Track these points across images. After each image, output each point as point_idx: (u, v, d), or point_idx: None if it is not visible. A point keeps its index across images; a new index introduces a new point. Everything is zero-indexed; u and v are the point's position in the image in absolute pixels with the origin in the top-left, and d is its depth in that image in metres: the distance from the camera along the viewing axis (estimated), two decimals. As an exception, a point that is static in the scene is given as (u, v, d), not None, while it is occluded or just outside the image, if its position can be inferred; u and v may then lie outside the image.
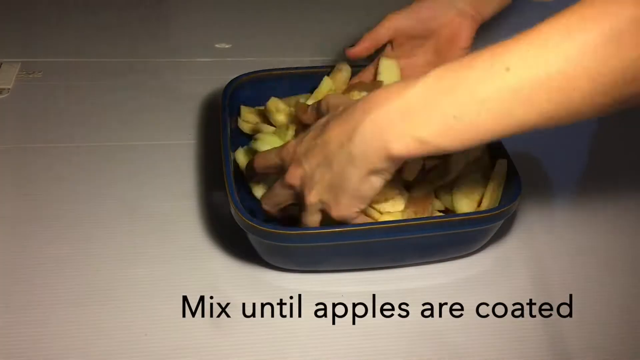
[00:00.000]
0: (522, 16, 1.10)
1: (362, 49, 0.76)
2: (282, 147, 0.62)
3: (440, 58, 0.76)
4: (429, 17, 0.75)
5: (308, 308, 0.63)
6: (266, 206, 0.65)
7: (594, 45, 0.47)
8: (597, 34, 0.47)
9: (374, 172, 0.56)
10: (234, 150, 0.71)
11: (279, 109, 0.74)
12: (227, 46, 0.98)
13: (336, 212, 0.59)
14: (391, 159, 0.54)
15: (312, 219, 0.61)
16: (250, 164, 0.67)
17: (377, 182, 0.57)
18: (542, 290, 0.66)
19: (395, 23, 0.75)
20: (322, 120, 0.61)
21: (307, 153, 0.59)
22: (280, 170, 0.62)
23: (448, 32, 0.76)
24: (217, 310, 0.62)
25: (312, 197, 0.59)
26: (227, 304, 0.62)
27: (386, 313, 0.63)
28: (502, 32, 0.99)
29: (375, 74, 0.76)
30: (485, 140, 0.52)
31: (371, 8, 1.07)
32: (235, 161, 0.70)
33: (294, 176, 0.60)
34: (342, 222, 0.60)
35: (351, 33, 1.01)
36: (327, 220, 0.61)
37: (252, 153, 0.70)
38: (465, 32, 0.76)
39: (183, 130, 0.82)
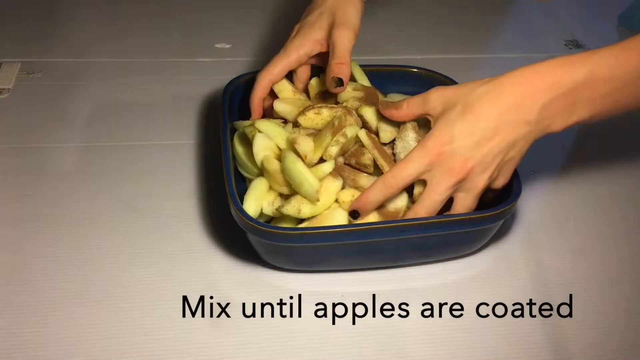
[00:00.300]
0: (522, 16, 1.10)
1: (257, 112, 0.73)
2: (427, 152, 0.60)
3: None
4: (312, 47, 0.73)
5: (308, 308, 0.63)
6: (384, 192, 0.61)
7: None
8: None
9: (533, 143, 0.62)
10: (234, 149, 0.71)
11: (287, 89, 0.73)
12: (227, 46, 0.98)
13: (503, 183, 0.64)
14: (551, 133, 0.61)
15: (475, 205, 0.63)
16: (362, 203, 0.62)
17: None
18: (542, 290, 0.66)
19: (312, 49, 0.72)
20: (453, 114, 0.60)
21: (477, 145, 0.60)
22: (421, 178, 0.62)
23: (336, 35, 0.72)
24: (217, 310, 0.62)
25: (485, 181, 0.61)
26: (227, 304, 0.62)
27: (386, 313, 0.63)
28: (502, 32, 0.99)
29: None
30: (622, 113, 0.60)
31: (371, 8, 1.07)
32: (235, 162, 0.70)
33: (465, 170, 0.60)
34: (498, 191, 0.65)
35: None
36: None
37: (247, 140, 0.68)
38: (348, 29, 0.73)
39: (183, 130, 0.82)
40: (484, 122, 0.59)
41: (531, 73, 0.59)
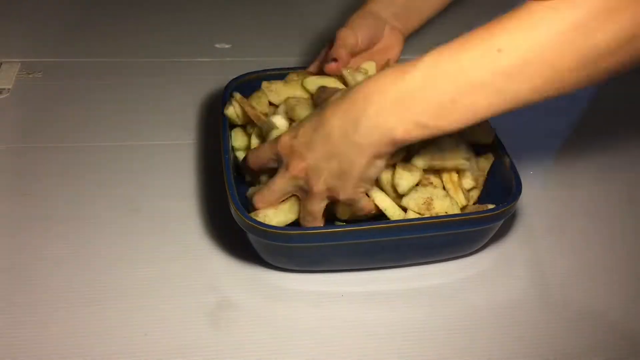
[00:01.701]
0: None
1: (343, 63, 0.74)
2: (276, 141, 0.63)
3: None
4: (369, 34, 0.76)
5: (308, 308, 0.63)
6: (259, 205, 0.63)
7: (583, 21, 0.50)
8: (585, 10, 0.50)
9: (379, 156, 0.58)
10: (234, 150, 0.71)
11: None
12: (227, 46, 0.98)
13: (344, 196, 0.61)
14: (395, 143, 0.57)
15: (320, 206, 0.62)
16: (245, 163, 0.67)
17: (381, 163, 0.60)
18: (542, 290, 0.66)
19: (347, 41, 0.74)
20: (317, 110, 0.61)
21: (310, 145, 0.60)
22: (275, 165, 0.63)
23: (381, 47, 0.78)
24: (217, 310, 0.62)
25: (320, 186, 0.60)
26: (227, 304, 0.62)
27: (386, 313, 0.63)
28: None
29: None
30: (482, 119, 0.55)
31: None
32: (234, 161, 0.70)
33: (298, 169, 0.60)
34: (349, 204, 0.62)
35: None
36: (331, 207, 0.63)
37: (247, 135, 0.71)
38: (397, 48, 0.78)
39: (183, 130, 0.82)
40: (322, 127, 0.59)
41: (367, 84, 0.57)
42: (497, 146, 0.70)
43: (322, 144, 0.59)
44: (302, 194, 0.62)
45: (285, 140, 0.62)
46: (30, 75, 0.89)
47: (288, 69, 0.80)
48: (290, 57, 0.94)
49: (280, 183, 0.62)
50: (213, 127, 0.82)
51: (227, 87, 0.76)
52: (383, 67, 0.76)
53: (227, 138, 0.69)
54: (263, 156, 0.64)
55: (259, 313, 0.62)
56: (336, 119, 0.58)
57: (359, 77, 0.71)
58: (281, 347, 0.59)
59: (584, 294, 0.65)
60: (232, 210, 0.62)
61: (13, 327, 0.60)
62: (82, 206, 0.71)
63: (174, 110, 0.85)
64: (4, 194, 0.72)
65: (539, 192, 0.76)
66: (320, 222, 0.63)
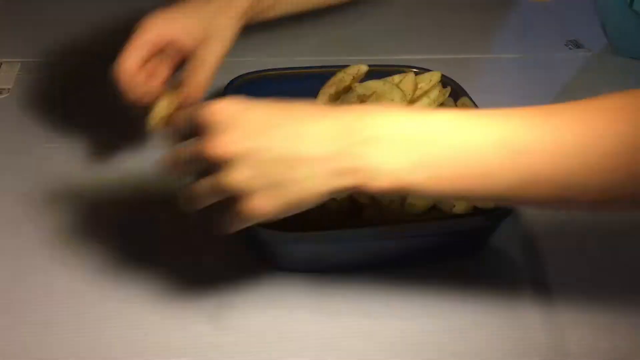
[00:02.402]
0: (522, 16, 1.10)
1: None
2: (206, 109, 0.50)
3: None
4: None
5: (308, 308, 0.63)
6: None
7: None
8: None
9: (335, 193, 0.49)
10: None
11: None
12: (227, 46, 0.98)
13: (256, 206, 0.49)
14: (362, 189, 0.49)
15: (213, 190, 0.50)
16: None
17: (323, 199, 0.50)
18: (542, 291, 0.66)
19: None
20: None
21: (270, 136, 0.48)
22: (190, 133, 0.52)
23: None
24: (217, 310, 0.62)
25: (239, 176, 0.48)
26: (227, 304, 0.62)
27: (386, 313, 0.63)
28: (502, 32, 0.99)
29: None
30: (468, 198, 0.54)
31: (370, 8, 1.07)
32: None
33: (224, 146, 0.48)
34: (246, 217, 0.50)
35: (351, 33, 1.02)
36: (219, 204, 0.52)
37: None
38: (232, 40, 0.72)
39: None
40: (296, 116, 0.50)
41: (370, 107, 0.52)
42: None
43: (284, 154, 0.48)
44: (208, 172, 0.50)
45: (220, 108, 0.49)
46: (30, 75, 0.89)
47: (288, 68, 0.80)
48: (290, 57, 0.94)
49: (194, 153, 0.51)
50: (213, 127, 0.82)
51: (227, 87, 0.76)
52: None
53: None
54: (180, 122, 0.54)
55: (259, 313, 0.62)
56: (320, 125, 0.49)
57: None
58: (281, 348, 0.59)
59: (584, 294, 0.65)
60: (232, 210, 0.62)
61: (13, 327, 0.60)
62: (82, 206, 0.71)
63: (174, 110, 0.85)
64: (4, 194, 0.72)
65: (539, 192, 0.76)
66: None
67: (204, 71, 0.69)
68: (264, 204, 0.49)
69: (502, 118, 0.50)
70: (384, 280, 0.66)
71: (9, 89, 0.87)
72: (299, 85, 0.78)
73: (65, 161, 0.77)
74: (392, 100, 0.67)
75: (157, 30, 0.69)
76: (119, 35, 0.99)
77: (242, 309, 0.62)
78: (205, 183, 0.51)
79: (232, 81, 0.77)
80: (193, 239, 0.69)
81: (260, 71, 0.79)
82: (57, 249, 0.67)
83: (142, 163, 0.77)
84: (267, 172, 0.48)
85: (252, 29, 1.02)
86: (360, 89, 0.71)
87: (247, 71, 0.78)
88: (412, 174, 0.47)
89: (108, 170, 0.76)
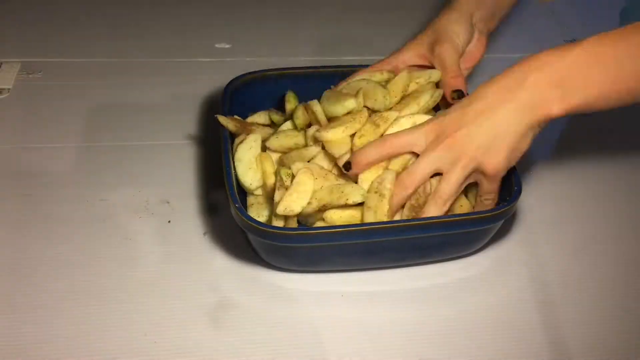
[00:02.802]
0: (522, 16, 1.10)
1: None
2: (422, 125, 0.63)
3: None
4: (467, 41, 0.74)
5: (308, 308, 0.63)
6: (410, 185, 0.62)
7: None
8: None
9: (532, 128, 0.60)
10: (233, 151, 0.70)
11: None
12: (227, 46, 0.98)
13: (494, 167, 0.61)
14: (549, 119, 0.59)
15: (462, 178, 0.62)
16: (357, 154, 0.63)
17: (531, 137, 0.61)
18: (542, 290, 0.66)
19: (456, 62, 0.73)
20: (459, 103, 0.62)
21: (462, 118, 0.61)
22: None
23: (469, 50, 0.76)
24: (217, 310, 0.62)
25: (469, 156, 0.60)
26: (227, 304, 0.62)
27: (386, 313, 0.63)
28: (502, 32, 0.99)
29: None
30: (634, 104, 0.59)
31: (372, 8, 1.07)
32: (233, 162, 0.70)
33: (447, 142, 0.61)
34: (494, 180, 0.62)
35: (351, 33, 1.02)
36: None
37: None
38: (482, 51, 0.77)
39: (183, 130, 0.82)
40: (476, 100, 0.61)
41: (524, 64, 0.60)
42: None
43: (479, 114, 0.60)
44: (447, 165, 0.61)
45: (433, 122, 0.62)
46: (30, 75, 0.89)
47: (288, 68, 0.80)
48: (290, 57, 0.94)
49: (428, 158, 0.61)
50: (213, 127, 0.82)
51: (227, 87, 0.76)
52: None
53: (227, 138, 0.69)
54: (406, 137, 0.63)
55: (259, 313, 0.62)
56: (492, 93, 0.60)
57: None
58: (281, 347, 0.59)
59: (583, 294, 0.65)
60: (232, 210, 0.62)
61: (13, 327, 0.60)
62: (82, 206, 0.71)
63: (174, 110, 0.85)
64: (4, 194, 0.72)
65: (539, 192, 0.76)
66: (457, 191, 0.62)
67: (445, 61, 0.72)
68: (495, 161, 0.61)
69: (629, 31, 0.58)
70: (385, 280, 0.66)
71: (9, 89, 0.87)
72: (299, 85, 0.78)
73: (65, 161, 0.77)
74: (376, 100, 0.68)
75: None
76: (119, 35, 0.99)
77: (242, 309, 0.62)
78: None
79: (232, 81, 0.77)
80: (193, 239, 0.69)
81: (260, 71, 0.78)
82: (57, 249, 0.67)
83: (142, 160, 0.78)
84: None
85: (252, 29, 1.02)
86: (346, 89, 0.71)
87: (247, 71, 0.78)
88: (580, 97, 0.58)
89: (108, 170, 0.76)
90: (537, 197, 0.75)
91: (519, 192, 0.64)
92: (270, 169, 0.66)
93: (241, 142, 0.68)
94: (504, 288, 0.66)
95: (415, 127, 0.63)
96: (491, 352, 0.60)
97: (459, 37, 0.73)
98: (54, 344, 0.58)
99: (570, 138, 0.85)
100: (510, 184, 0.66)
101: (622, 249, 0.71)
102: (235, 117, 0.71)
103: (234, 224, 0.63)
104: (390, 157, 0.64)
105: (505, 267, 0.68)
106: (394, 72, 0.73)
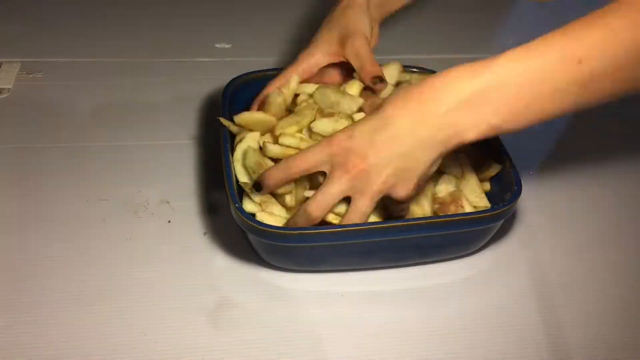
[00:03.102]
0: (522, 16, 1.10)
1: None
2: (328, 142, 0.61)
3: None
4: (369, 31, 0.75)
5: (308, 308, 0.63)
6: (317, 212, 0.61)
7: None
8: None
9: (444, 154, 0.59)
10: (233, 150, 0.70)
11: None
12: (227, 46, 0.98)
13: (404, 195, 0.60)
14: (463, 142, 0.57)
15: (373, 204, 0.61)
16: (264, 176, 0.63)
17: (440, 161, 0.60)
18: (542, 290, 0.66)
19: (370, 53, 0.73)
20: (373, 113, 0.60)
21: (372, 145, 0.59)
22: (322, 168, 0.62)
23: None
24: (217, 310, 0.62)
25: (380, 185, 0.60)
26: (227, 304, 0.62)
27: (386, 313, 0.63)
28: (502, 32, 0.99)
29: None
30: (548, 120, 0.56)
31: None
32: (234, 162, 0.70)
33: (358, 169, 0.59)
34: (402, 203, 0.62)
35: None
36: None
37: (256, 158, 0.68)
38: (375, 37, 0.77)
39: (183, 130, 0.82)
40: (385, 126, 0.58)
41: (435, 81, 0.57)
42: (498, 147, 0.70)
43: (388, 143, 0.58)
44: (356, 194, 0.61)
45: (339, 141, 0.60)
46: (30, 75, 0.90)
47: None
48: (290, 57, 0.94)
49: (338, 185, 0.60)
50: (213, 127, 0.82)
51: (227, 87, 0.76)
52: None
53: (227, 138, 0.69)
54: (312, 159, 0.62)
55: (259, 313, 0.62)
56: (403, 118, 0.58)
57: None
58: (281, 347, 0.59)
59: (584, 294, 0.65)
60: (232, 210, 0.62)
61: (13, 327, 0.59)
62: (82, 206, 0.71)
63: (174, 110, 0.85)
64: (4, 194, 0.72)
65: (539, 192, 0.76)
66: (366, 220, 0.62)
67: (361, 53, 0.73)
68: (405, 189, 0.60)
69: (544, 44, 0.55)
70: (385, 280, 0.66)
71: (9, 89, 0.87)
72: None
73: (65, 161, 0.77)
74: (349, 108, 0.70)
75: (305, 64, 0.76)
76: (119, 35, 0.99)
77: (242, 309, 0.62)
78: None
79: (232, 81, 0.77)
80: (193, 239, 0.69)
81: (261, 71, 0.79)
82: (57, 249, 0.67)
83: (142, 160, 0.78)
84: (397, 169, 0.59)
85: (252, 29, 1.02)
86: (317, 95, 0.72)
87: (247, 71, 0.78)
88: (494, 120, 0.56)
89: (108, 170, 0.76)
90: (537, 197, 0.75)
91: (519, 192, 0.65)
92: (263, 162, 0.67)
93: (240, 141, 0.68)
94: (504, 288, 0.66)
95: (321, 146, 0.61)
96: (491, 352, 0.60)
97: (365, 28, 0.74)
98: (54, 344, 0.58)
99: (570, 138, 0.85)
100: (511, 184, 0.66)
101: (622, 248, 0.71)
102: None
103: (234, 224, 0.63)
104: (296, 177, 0.63)
105: (505, 267, 0.68)
106: (306, 79, 0.75)
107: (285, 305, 0.63)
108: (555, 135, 0.85)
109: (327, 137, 0.62)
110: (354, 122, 0.63)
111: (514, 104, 0.55)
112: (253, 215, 0.63)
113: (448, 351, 0.60)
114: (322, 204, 0.61)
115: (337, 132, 0.62)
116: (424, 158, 0.58)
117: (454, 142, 0.57)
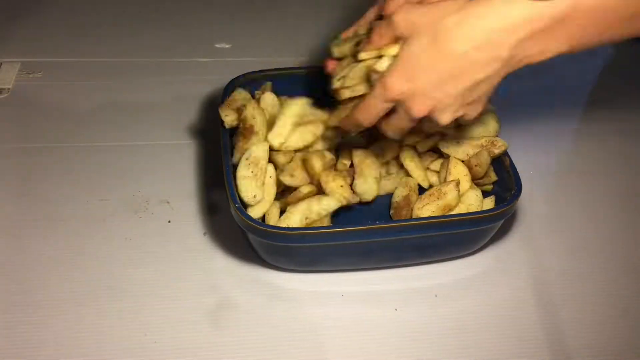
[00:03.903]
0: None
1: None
2: (382, 88, 0.57)
3: None
4: None
5: (308, 308, 0.63)
6: (363, 119, 0.60)
7: None
8: None
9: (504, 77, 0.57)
10: (233, 151, 0.70)
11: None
12: (227, 46, 0.98)
13: (474, 115, 0.59)
14: (529, 65, 0.56)
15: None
16: (350, 121, 0.62)
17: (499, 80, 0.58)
18: (542, 290, 0.66)
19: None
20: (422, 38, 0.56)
21: (439, 86, 0.56)
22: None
23: None
24: (217, 310, 0.62)
25: (447, 120, 0.58)
26: (227, 304, 0.62)
27: (386, 313, 0.63)
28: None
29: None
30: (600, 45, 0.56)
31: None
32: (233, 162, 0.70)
33: (420, 110, 0.58)
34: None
35: (351, 33, 1.01)
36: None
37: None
38: None
39: (183, 130, 0.82)
40: (449, 60, 0.55)
41: (508, 5, 0.54)
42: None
43: (454, 77, 0.55)
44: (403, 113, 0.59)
45: (397, 85, 0.57)
46: (30, 75, 0.89)
47: (288, 68, 0.80)
48: (290, 57, 0.94)
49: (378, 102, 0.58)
50: (213, 127, 0.82)
51: (227, 87, 0.76)
52: None
53: (227, 138, 0.69)
54: (374, 109, 0.59)
55: (259, 313, 0.62)
56: (474, 49, 0.54)
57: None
58: (281, 347, 0.59)
59: (583, 294, 0.65)
60: (232, 210, 0.62)
61: (13, 327, 0.60)
62: (82, 206, 0.71)
63: (174, 110, 0.85)
64: (4, 194, 0.72)
65: (539, 192, 0.76)
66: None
67: None
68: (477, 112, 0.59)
69: None
70: (385, 280, 0.66)
71: (9, 89, 0.87)
72: (298, 85, 0.78)
73: (66, 161, 0.77)
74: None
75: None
76: (119, 35, 0.99)
77: (242, 309, 0.62)
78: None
79: (232, 80, 0.77)
80: (193, 239, 0.69)
81: (260, 71, 0.78)
82: (57, 249, 0.67)
83: (142, 160, 0.78)
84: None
85: (252, 29, 1.02)
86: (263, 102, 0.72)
87: (247, 71, 0.78)
88: (564, 48, 0.55)
89: (108, 170, 0.76)
90: (537, 197, 0.75)
91: (519, 192, 0.65)
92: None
93: (242, 155, 0.67)
94: (504, 288, 0.66)
95: (374, 95, 0.58)
96: (491, 352, 0.60)
97: None
98: (54, 344, 0.58)
99: (570, 138, 0.85)
100: (511, 184, 0.66)
101: (621, 248, 0.71)
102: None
103: (234, 224, 0.63)
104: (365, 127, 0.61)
105: (506, 267, 0.68)
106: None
107: (285, 305, 0.63)
108: (555, 135, 0.85)
109: (382, 81, 0.58)
110: (406, 56, 0.57)
111: (586, 31, 0.54)
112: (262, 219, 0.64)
113: (448, 351, 0.60)
114: (397, 133, 0.61)
115: (393, 72, 0.57)
116: (493, 84, 0.56)
117: (520, 66, 0.56)
